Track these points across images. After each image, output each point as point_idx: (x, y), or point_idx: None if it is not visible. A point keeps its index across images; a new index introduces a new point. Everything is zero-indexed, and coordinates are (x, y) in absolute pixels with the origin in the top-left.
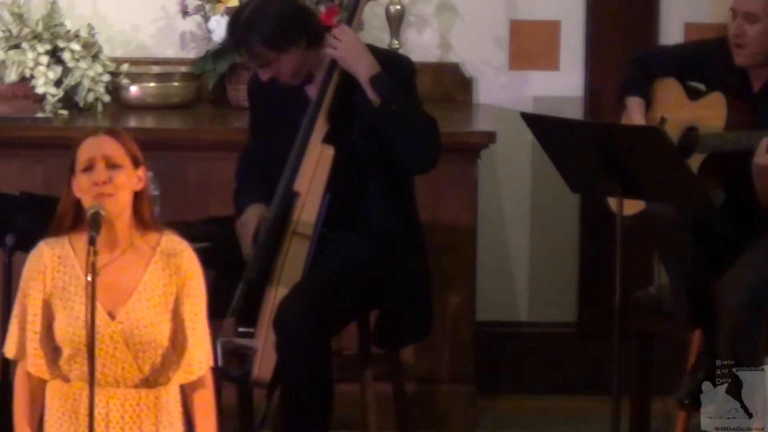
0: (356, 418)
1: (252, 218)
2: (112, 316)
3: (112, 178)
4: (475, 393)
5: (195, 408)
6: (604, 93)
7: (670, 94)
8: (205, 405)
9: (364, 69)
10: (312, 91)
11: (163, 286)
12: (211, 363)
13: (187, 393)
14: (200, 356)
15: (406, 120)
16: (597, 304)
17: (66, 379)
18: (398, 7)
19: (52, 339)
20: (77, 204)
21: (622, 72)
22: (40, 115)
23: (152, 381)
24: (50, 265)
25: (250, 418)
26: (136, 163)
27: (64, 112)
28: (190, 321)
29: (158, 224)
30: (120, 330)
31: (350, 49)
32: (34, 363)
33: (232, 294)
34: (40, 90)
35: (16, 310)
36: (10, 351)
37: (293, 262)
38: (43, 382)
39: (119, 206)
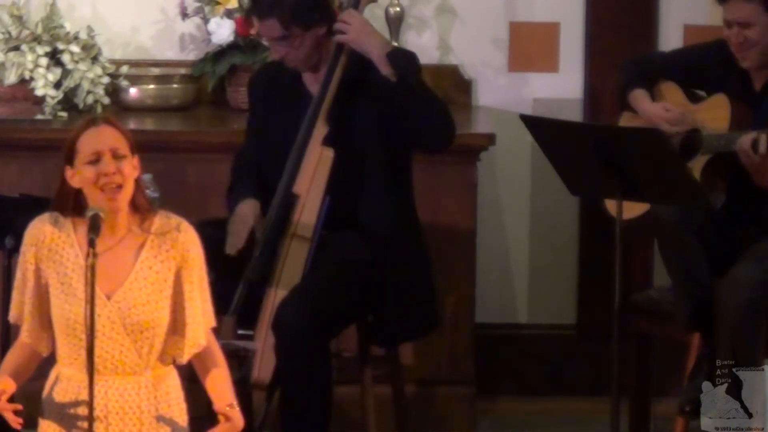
0: (356, 420)
1: (248, 215)
2: (108, 296)
3: (120, 169)
4: (474, 395)
5: (208, 362)
6: (603, 95)
7: (672, 97)
8: (214, 357)
9: (377, 47)
10: (314, 87)
11: (160, 263)
12: (208, 325)
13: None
14: (200, 329)
15: (425, 94)
16: (596, 306)
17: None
18: (398, 9)
19: (41, 310)
20: (75, 195)
21: (620, 75)
22: (39, 117)
23: (153, 364)
24: (49, 236)
25: (250, 420)
26: (132, 151)
27: (64, 114)
28: (190, 293)
29: (151, 207)
30: (117, 310)
31: (361, 30)
32: (26, 329)
33: (231, 296)
34: (39, 92)
35: (18, 274)
36: (12, 316)
37: (293, 264)
38: (34, 356)
39: (126, 196)
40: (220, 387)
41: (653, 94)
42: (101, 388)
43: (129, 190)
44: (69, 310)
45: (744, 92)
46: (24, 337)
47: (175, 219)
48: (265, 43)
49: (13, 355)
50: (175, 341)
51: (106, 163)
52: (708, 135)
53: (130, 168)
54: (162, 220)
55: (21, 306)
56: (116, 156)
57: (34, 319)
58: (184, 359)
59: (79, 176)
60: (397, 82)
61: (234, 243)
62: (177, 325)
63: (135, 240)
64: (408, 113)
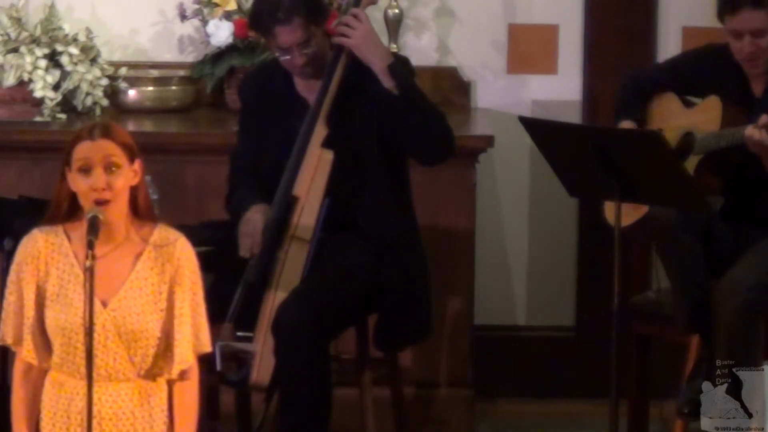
0: (355, 422)
1: (259, 217)
2: (104, 304)
3: (110, 184)
4: (473, 397)
5: (176, 399)
6: (602, 97)
7: (667, 106)
8: (186, 397)
9: (380, 58)
10: (307, 92)
11: (156, 275)
12: (201, 349)
13: (171, 383)
14: (188, 346)
15: (426, 107)
16: (595, 308)
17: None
18: (396, 11)
19: (42, 326)
20: (72, 196)
21: (619, 92)
22: (38, 119)
23: (145, 373)
24: (44, 251)
25: (249, 423)
26: (131, 158)
27: (63, 116)
28: (181, 309)
29: (154, 215)
30: (112, 318)
31: (365, 37)
32: (27, 348)
33: (230, 298)
34: (38, 94)
35: (11, 296)
36: (7, 337)
37: (292, 266)
38: (42, 375)
39: (118, 208)
40: (185, 423)
41: (650, 106)
42: (94, 393)
43: (121, 201)
44: (65, 319)
45: (742, 97)
46: (27, 357)
47: (174, 234)
48: (278, 56)
49: (28, 387)
50: (165, 357)
51: (96, 177)
52: (701, 136)
53: (125, 180)
54: (161, 232)
55: (19, 327)
56: (109, 170)
57: (36, 336)
58: (173, 374)
59: (73, 182)
60: (399, 95)
61: (248, 246)
62: (167, 341)
63: (132, 248)
64: (407, 126)
